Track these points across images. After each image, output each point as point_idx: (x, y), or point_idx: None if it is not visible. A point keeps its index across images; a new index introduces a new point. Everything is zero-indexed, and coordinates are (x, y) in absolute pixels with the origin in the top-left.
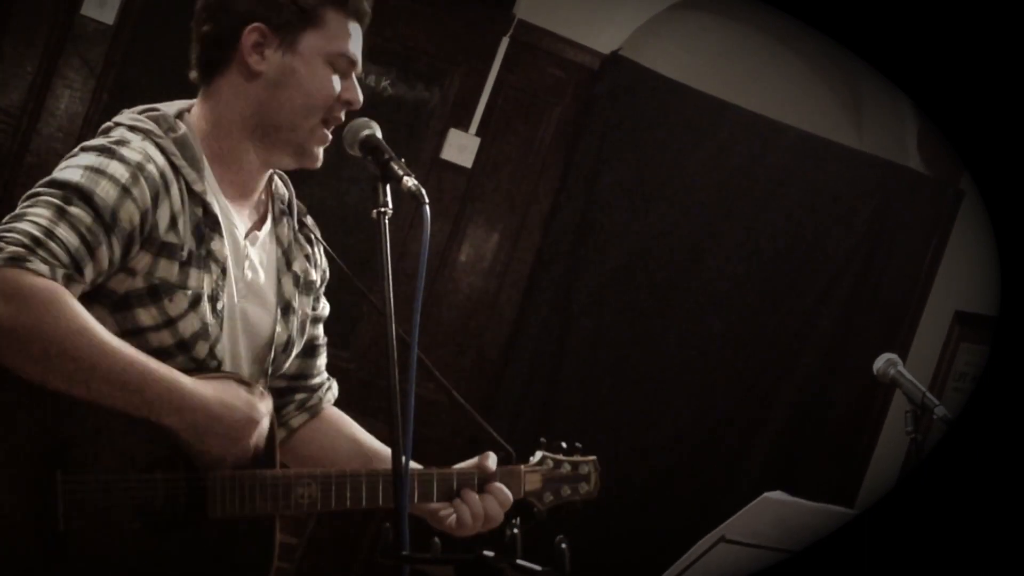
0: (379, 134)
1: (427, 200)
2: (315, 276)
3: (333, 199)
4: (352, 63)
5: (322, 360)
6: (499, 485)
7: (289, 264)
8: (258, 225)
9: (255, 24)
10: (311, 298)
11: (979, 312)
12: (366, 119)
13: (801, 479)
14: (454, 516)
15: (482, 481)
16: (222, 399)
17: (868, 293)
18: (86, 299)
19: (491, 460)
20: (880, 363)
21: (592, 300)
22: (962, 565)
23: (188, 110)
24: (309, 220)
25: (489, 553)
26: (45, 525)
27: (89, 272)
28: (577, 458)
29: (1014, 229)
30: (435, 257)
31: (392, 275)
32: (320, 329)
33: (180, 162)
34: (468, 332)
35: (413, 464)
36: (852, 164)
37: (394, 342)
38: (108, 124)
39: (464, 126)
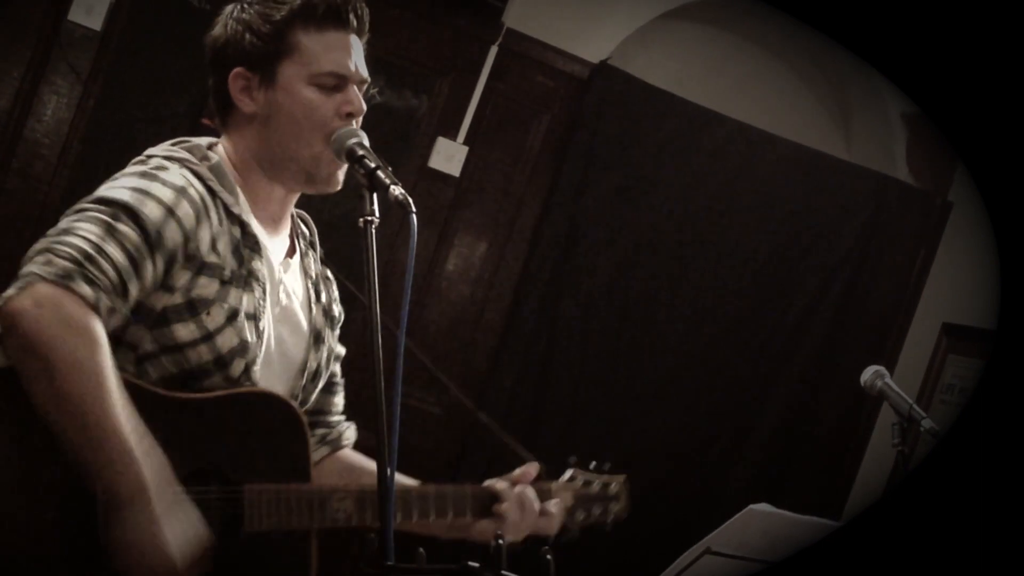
0: (366, 142)
1: (414, 209)
2: (336, 312)
3: (323, 209)
4: (341, 77)
5: (340, 399)
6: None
7: (319, 296)
8: (289, 254)
9: (236, 69)
10: (335, 334)
11: (967, 324)
12: (353, 127)
13: (787, 491)
14: (484, 524)
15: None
16: (174, 534)
17: (856, 305)
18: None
19: (527, 476)
20: (867, 375)
21: (579, 310)
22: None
23: (215, 145)
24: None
25: (474, 564)
26: (82, 535)
27: (134, 289)
28: (607, 477)
29: (1013, 235)
30: (422, 266)
31: (379, 284)
32: (338, 367)
33: (217, 187)
34: (455, 341)
35: (398, 479)
36: (840, 175)
37: (379, 351)
38: (140, 157)
39: (452, 135)
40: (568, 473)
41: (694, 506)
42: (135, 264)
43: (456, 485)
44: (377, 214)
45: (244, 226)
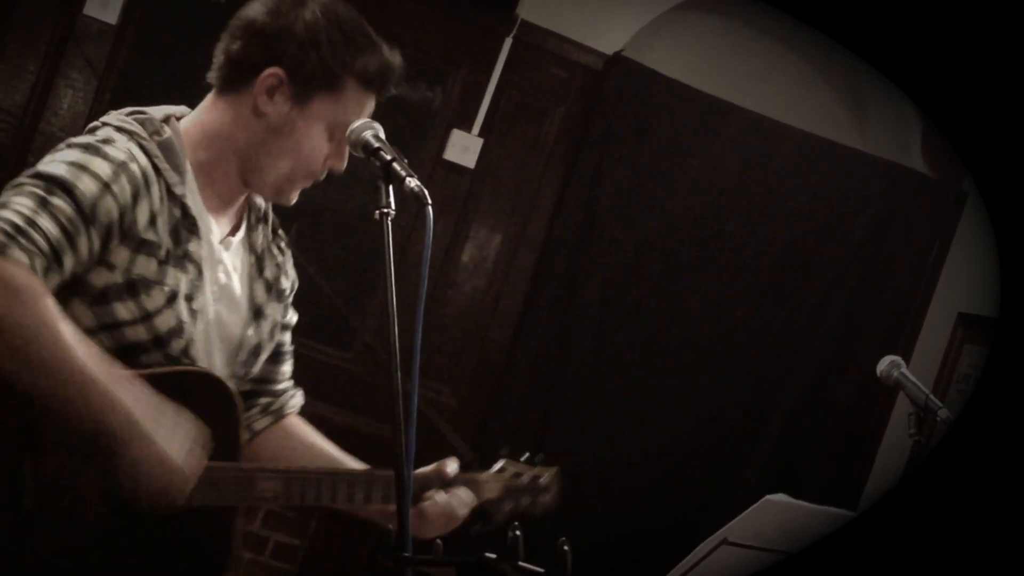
0: (382, 134)
1: (430, 201)
2: (285, 284)
3: (335, 204)
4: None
5: (287, 367)
6: (461, 488)
7: (261, 271)
8: (233, 232)
9: (276, 68)
10: (281, 305)
11: (982, 314)
12: (369, 120)
13: (804, 481)
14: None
15: (444, 484)
16: (163, 440)
17: (871, 295)
18: (66, 292)
19: (451, 465)
20: (883, 365)
21: (594, 301)
22: (964, 568)
23: (178, 116)
24: (281, 231)
25: (491, 555)
26: (13, 503)
27: (69, 262)
28: (539, 469)
29: (1016, 232)
30: (438, 258)
31: (395, 276)
32: (287, 337)
33: (163, 164)
34: (470, 333)
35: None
36: (856, 165)
37: (396, 343)
38: (95, 123)
39: (467, 127)
40: (499, 464)
41: (710, 497)
42: (69, 237)
43: (387, 471)
44: (393, 206)
45: (184, 207)
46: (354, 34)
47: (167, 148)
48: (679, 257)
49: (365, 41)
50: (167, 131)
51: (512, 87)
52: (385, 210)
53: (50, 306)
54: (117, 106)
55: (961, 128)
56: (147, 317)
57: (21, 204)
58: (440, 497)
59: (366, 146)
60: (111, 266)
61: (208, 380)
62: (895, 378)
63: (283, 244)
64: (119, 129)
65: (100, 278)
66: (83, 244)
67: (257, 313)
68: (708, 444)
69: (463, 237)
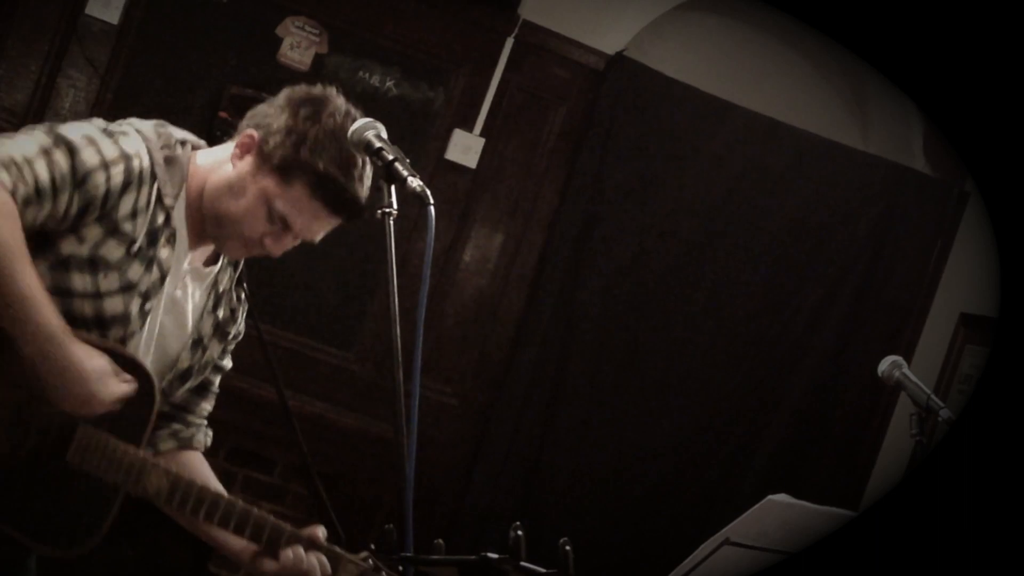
0: (384, 134)
1: (432, 201)
2: (232, 330)
3: None
4: (290, 229)
5: (208, 404)
6: (321, 556)
7: (215, 308)
8: (208, 263)
9: (255, 132)
10: (221, 347)
11: (984, 314)
12: (371, 120)
13: (805, 482)
14: (268, 563)
15: (308, 546)
16: (81, 367)
17: (873, 295)
18: (33, 250)
19: (320, 531)
20: (885, 365)
21: (596, 301)
22: (964, 567)
23: (195, 146)
24: (245, 283)
25: (493, 555)
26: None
27: (47, 207)
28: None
29: (1017, 232)
30: (439, 258)
31: (396, 276)
32: (218, 378)
33: (161, 175)
34: (472, 333)
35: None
36: (857, 165)
37: (399, 343)
38: (122, 120)
39: (469, 127)
40: (364, 553)
41: (713, 497)
42: (55, 188)
43: (261, 513)
44: (395, 206)
45: (168, 217)
46: (334, 148)
47: (172, 163)
48: (680, 256)
49: (339, 159)
50: (179, 152)
51: (514, 87)
52: (387, 210)
53: (17, 231)
54: (119, 105)
55: (962, 128)
56: (98, 296)
57: (24, 143)
58: (299, 553)
59: (368, 146)
60: (81, 238)
61: (136, 368)
62: (896, 378)
63: (243, 295)
64: (138, 131)
65: (68, 246)
66: (63, 201)
67: (197, 343)
68: (709, 444)
69: (465, 237)
